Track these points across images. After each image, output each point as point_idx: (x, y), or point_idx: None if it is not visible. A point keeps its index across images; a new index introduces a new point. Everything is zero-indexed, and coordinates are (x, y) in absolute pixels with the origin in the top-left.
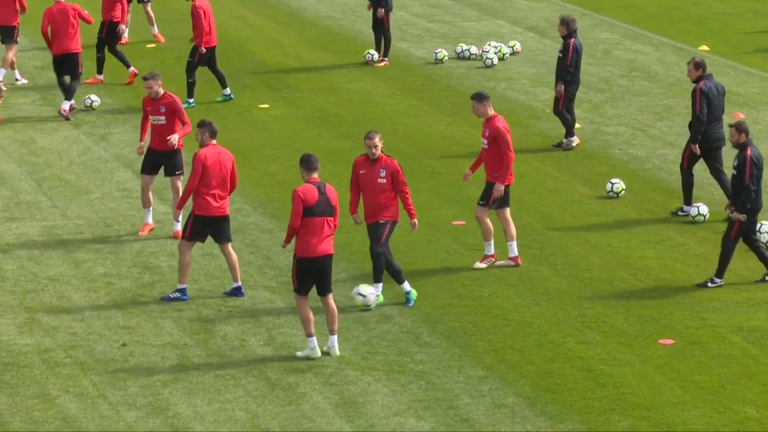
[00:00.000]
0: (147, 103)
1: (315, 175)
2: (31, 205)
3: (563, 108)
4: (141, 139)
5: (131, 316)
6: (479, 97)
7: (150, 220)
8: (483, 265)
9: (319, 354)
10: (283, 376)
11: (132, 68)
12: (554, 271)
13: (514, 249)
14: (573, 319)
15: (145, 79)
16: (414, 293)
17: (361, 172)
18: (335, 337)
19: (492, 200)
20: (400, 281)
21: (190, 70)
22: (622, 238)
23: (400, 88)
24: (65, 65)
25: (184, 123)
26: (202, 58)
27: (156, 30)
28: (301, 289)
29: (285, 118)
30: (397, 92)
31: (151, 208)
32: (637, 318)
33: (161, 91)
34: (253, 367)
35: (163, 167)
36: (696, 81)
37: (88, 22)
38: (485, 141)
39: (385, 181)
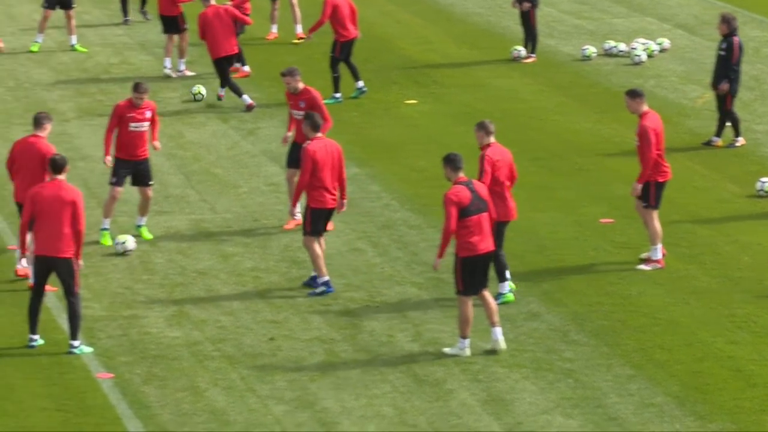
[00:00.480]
0: (289, 97)
1: (461, 174)
2: (180, 198)
3: (731, 107)
4: (288, 130)
5: (279, 310)
6: (632, 94)
7: (298, 215)
8: (647, 268)
9: (468, 354)
10: (430, 372)
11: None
12: (703, 270)
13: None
14: (722, 319)
15: (282, 75)
16: (508, 297)
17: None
18: (499, 329)
19: (651, 198)
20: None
21: (333, 64)
22: None
23: (548, 85)
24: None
25: (325, 119)
26: (343, 51)
27: (299, 30)
28: (467, 290)
29: (431, 114)
30: (544, 89)
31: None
32: None
33: (300, 86)
34: (400, 363)
35: None
36: None
37: (246, 23)
38: (636, 138)
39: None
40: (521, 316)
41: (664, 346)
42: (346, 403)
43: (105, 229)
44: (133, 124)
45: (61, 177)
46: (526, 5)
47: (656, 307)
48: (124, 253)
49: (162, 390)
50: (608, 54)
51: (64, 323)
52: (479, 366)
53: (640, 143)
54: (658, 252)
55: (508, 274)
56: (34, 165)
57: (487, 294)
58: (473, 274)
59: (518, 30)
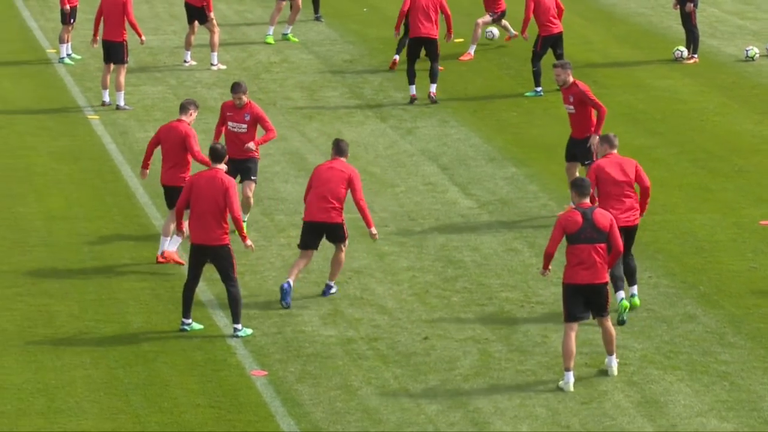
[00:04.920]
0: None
1: (586, 200)
2: None
3: None
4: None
5: (433, 309)
6: None
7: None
8: None
9: (571, 390)
10: (584, 373)
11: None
12: None
13: None
14: None
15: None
16: (624, 305)
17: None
18: (613, 357)
19: None
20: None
21: (534, 59)
22: None
23: (709, 86)
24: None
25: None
26: (545, 45)
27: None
28: (567, 317)
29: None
30: (705, 89)
31: None
32: None
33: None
34: (554, 364)
35: None
36: None
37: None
38: None
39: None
40: (677, 317)
41: None
42: (499, 403)
43: None
44: (231, 124)
45: (220, 166)
46: (689, 6)
47: None
48: None
49: (315, 388)
50: None
51: (219, 319)
52: (634, 368)
53: None
54: None
55: (627, 288)
56: (176, 148)
57: (607, 322)
58: (574, 302)
59: (680, 30)
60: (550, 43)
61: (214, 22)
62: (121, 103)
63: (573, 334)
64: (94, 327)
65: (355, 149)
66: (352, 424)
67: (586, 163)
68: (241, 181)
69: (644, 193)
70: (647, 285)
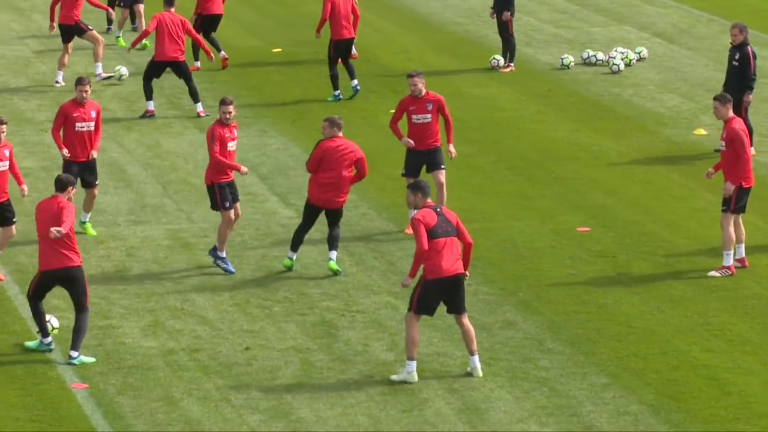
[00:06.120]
0: (410, 102)
1: (429, 200)
2: (157, 208)
3: (746, 115)
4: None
5: (255, 319)
6: (723, 99)
7: None
8: (717, 275)
9: (416, 379)
10: (405, 382)
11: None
12: (678, 279)
13: (742, 251)
14: (698, 327)
15: (410, 76)
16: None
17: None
18: (476, 357)
19: (731, 202)
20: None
21: (330, 64)
22: (748, 247)
23: (526, 94)
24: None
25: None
26: (337, 51)
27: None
28: (420, 309)
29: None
30: (522, 98)
31: None
32: (763, 326)
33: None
34: (375, 372)
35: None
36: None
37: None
38: (723, 143)
39: None
40: (497, 324)
41: (639, 354)
42: (321, 412)
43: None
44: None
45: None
46: (506, 14)
47: (632, 315)
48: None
49: (137, 400)
50: (586, 63)
51: (33, 328)
52: (454, 375)
53: (729, 147)
54: (729, 258)
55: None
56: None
57: (466, 320)
58: (433, 296)
59: (496, 39)
60: (342, 47)
61: (95, 32)
62: None
63: (417, 325)
64: None
65: (174, 160)
66: None
67: (442, 166)
68: (86, 186)
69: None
70: (468, 292)
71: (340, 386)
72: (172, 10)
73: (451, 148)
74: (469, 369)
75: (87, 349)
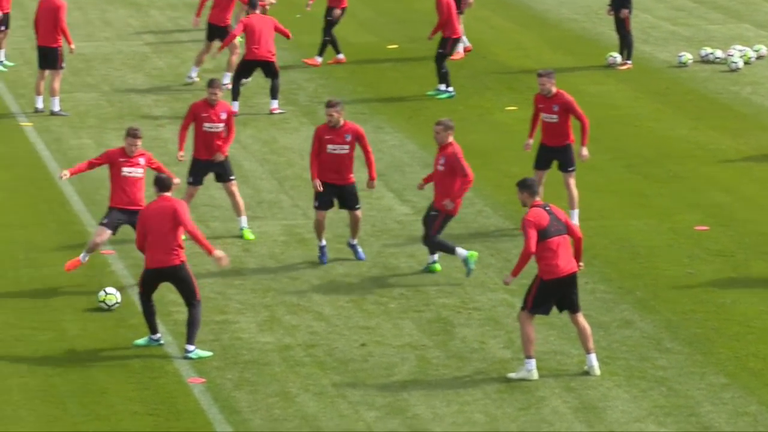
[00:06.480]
0: (540, 100)
1: (537, 198)
2: (273, 204)
3: None
4: (530, 135)
5: (371, 316)
6: None
7: None
8: None
9: (536, 377)
10: (522, 380)
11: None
12: None
13: None
14: None
15: (539, 75)
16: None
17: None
18: (594, 355)
19: None
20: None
21: (440, 60)
22: None
23: (643, 91)
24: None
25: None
26: (452, 48)
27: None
28: (535, 308)
29: (526, 121)
30: (639, 95)
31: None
32: None
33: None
34: (492, 370)
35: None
36: None
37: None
38: None
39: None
40: (614, 323)
41: (758, 354)
42: (438, 409)
43: None
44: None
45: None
46: (624, 12)
47: (750, 315)
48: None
49: (253, 395)
50: (705, 61)
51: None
52: (572, 374)
53: None
54: None
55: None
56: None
57: (581, 318)
58: (549, 296)
59: (613, 36)
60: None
61: (236, 42)
62: (56, 109)
63: (533, 323)
64: (30, 335)
65: (290, 156)
66: (291, 430)
67: (570, 169)
68: (219, 180)
69: None
70: (584, 291)
71: (457, 383)
72: (258, 12)
73: (584, 150)
74: (586, 367)
75: (203, 344)
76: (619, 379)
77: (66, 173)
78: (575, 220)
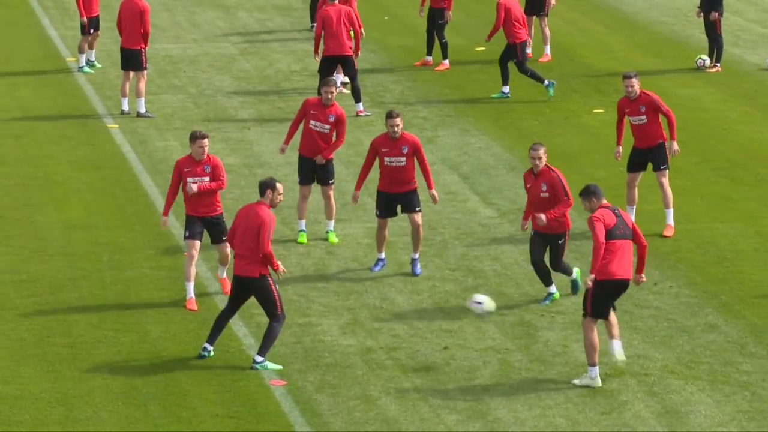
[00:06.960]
0: (625, 104)
1: (604, 200)
2: (357, 206)
3: None
4: (618, 143)
5: (453, 319)
6: None
7: None
8: None
9: (600, 384)
10: (605, 383)
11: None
12: None
13: None
14: None
15: (626, 77)
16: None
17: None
18: (618, 341)
19: None
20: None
21: (521, 67)
22: None
23: (732, 94)
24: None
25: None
26: (522, 52)
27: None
28: (594, 313)
29: (613, 124)
30: (728, 98)
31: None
32: None
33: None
34: (574, 374)
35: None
36: None
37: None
38: None
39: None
40: (699, 327)
41: None
42: (519, 413)
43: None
44: (314, 123)
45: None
46: (714, 14)
47: None
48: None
49: (334, 398)
50: None
51: (238, 329)
52: (654, 378)
53: None
54: None
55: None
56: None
57: (612, 315)
58: (606, 298)
59: (702, 39)
60: (522, 49)
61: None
62: (142, 110)
63: (596, 329)
64: (113, 336)
65: None
66: None
67: (663, 168)
68: (318, 183)
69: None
70: (668, 295)
71: (539, 387)
72: (336, 2)
73: (675, 145)
74: (623, 376)
75: (285, 346)
76: (703, 384)
77: (165, 220)
78: (670, 220)
